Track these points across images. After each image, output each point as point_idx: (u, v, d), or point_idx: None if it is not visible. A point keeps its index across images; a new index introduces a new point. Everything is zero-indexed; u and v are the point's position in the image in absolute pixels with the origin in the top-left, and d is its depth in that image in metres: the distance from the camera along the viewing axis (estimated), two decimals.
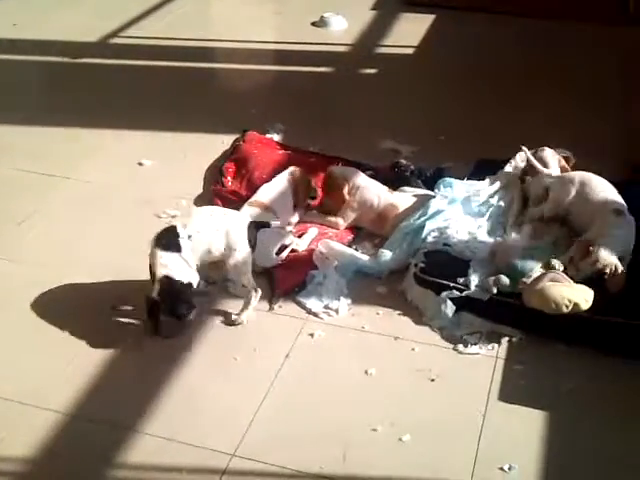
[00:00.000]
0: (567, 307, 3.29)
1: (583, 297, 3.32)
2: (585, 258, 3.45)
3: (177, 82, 5.66)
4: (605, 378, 3.21)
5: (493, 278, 3.48)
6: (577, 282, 3.39)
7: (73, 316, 3.50)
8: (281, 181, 4.09)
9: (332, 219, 4.06)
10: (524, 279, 3.45)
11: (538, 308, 3.33)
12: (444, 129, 4.96)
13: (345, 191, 4.04)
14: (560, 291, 3.31)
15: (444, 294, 3.47)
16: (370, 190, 4.05)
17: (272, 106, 5.33)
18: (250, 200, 3.96)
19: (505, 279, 3.47)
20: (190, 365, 3.27)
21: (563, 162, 4.09)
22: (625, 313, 3.32)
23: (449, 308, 3.43)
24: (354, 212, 4.04)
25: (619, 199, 3.72)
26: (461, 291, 3.47)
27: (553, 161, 4.04)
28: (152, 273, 3.34)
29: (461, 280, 3.52)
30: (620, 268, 3.43)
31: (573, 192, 3.80)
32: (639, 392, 3.15)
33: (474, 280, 3.51)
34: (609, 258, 3.43)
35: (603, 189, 3.76)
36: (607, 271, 3.41)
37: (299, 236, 3.94)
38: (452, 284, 3.50)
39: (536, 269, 3.48)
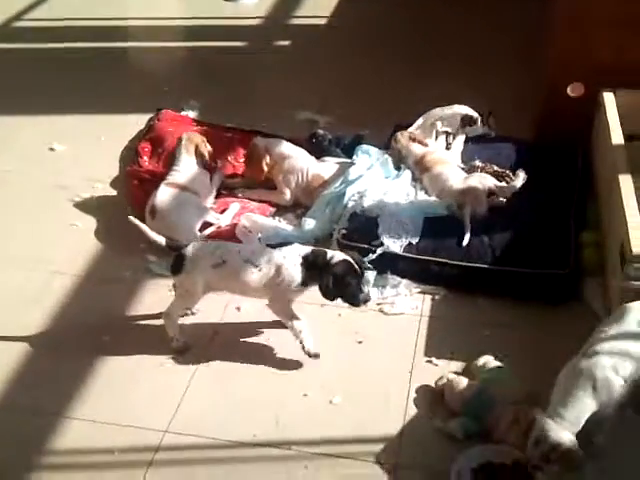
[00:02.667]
0: None
1: None
2: None
3: (86, 63, 5.51)
4: (522, 325, 3.31)
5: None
6: None
7: None
8: (187, 157, 4.01)
9: (275, 194, 4.05)
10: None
11: None
12: (359, 97, 4.98)
13: (264, 163, 4.04)
14: None
15: (364, 258, 3.49)
16: (299, 160, 4.06)
17: (185, 83, 5.26)
18: (167, 181, 3.91)
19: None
20: (116, 345, 3.24)
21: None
22: (534, 263, 3.43)
23: (371, 271, 3.48)
24: (290, 183, 4.02)
25: None
26: (375, 252, 3.52)
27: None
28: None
29: (377, 241, 3.56)
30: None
31: None
32: (553, 335, 3.24)
33: (385, 237, 3.57)
34: None
35: None
36: None
37: (221, 212, 3.92)
38: (372, 247, 3.54)
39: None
